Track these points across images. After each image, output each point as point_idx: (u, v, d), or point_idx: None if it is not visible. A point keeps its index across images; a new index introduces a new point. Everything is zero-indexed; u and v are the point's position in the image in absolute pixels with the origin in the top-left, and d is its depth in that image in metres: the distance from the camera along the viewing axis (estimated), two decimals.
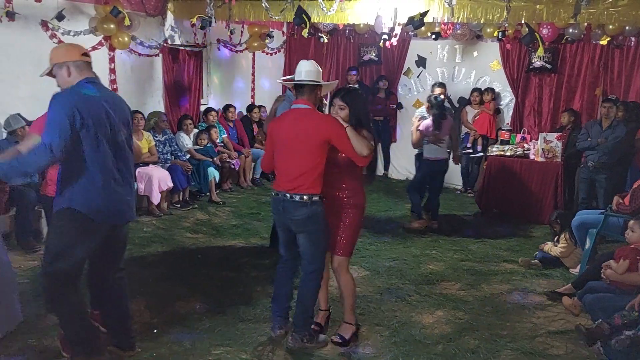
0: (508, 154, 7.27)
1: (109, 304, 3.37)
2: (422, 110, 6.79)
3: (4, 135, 5.36)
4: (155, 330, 3.76)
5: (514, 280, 4.98)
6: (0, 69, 5.47)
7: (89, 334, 3.22)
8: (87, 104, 2.94)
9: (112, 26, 6.46)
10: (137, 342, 3.52)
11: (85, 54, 3.12)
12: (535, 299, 4.59)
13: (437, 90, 7.13)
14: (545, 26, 7.50)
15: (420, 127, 6.31)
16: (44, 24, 5.91)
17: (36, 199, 5.21)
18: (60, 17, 5.83)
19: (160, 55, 7.63)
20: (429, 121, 6.27)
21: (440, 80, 9.22)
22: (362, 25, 8.65)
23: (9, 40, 5.56)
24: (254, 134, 8.98)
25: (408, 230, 6.40)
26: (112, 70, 6.89)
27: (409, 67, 9.52)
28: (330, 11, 6.25)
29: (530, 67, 8.55)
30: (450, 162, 6.75)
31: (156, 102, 7.72)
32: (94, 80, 3.09)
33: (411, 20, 5.98)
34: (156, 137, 7.04)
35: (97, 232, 3.07)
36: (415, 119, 6.68)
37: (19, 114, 5.29)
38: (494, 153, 7.35)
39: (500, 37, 7.68)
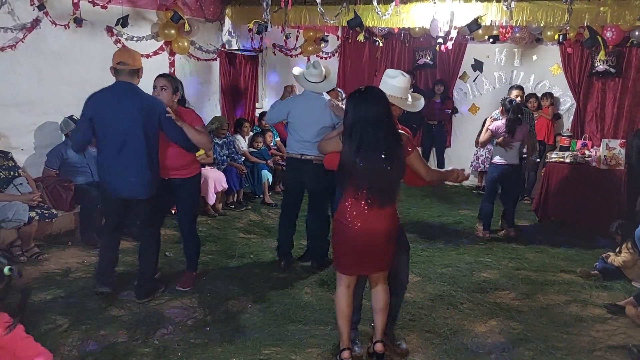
0: (568, 160, 7.03)
1: (139, 255, 4.29)
2: (497, 112, 6.48)
3: (63, 138, 5.65)
4: (207, 328, 3.85)
5: (572, 291, 4.81)
6: (68, 73, 5.75)
7: (102, 268, 4.23)
8: (98, 101, 3.82)
9: (172, 32, 6.67)
10: (191, 339, 3.65)
11: (120, 62, 3.82)
12: (594, 311, 4.42)
13: (514, 93, 6.53)
14: (609, 29, 7.23)
15: (490, 127, 6.13)
16: (109, 30, 6.16)
17: (99, 197, 5.42)
18: (124, 23, 6.07)
19: (218, 59, 7.81)
20: (500, 122, 6.07)
21: (498, 85, 9.07)
22: (417, 29, 8.58)
23: (77, 45, 5.83)
24: None
25: (476, 236, 6.34)
26: (172, 75, 7.10)
27: (464, 71, 9.38)
28: (385, 15, 6.24)
29: (593, 71, 8.26)
30: None
31: (213, 106, 7.91)
32: (115, 84, 3.86)
33: (474, 22, 5.87)
34: (214, 140, 7.19)
35: (110, 200, 4.04)
36: (489, 119, 6.46)
37: (70, 117, 5.54)
38: (553, 159, 7.12)
39: (561, 41, 7.45)
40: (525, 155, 6.49)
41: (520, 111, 6.08)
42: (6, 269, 1.99)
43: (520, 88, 6.90)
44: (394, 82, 3.41)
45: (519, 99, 6.32)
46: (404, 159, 3.24)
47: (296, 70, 5.08)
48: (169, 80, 4.13)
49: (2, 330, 1.98)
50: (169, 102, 4.05)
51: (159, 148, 4.02)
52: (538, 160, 8.07)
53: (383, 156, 3.09)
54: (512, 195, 6.49)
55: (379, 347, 3.43)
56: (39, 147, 5.63)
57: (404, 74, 3.47)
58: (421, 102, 3.61)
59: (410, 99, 3.52)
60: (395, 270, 3.47)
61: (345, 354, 3.37)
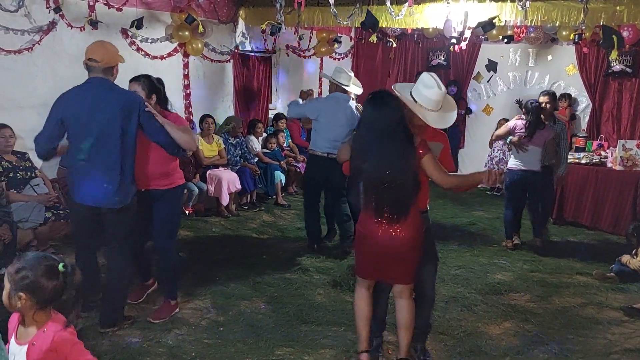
0: (583, 161, 6.96)
1: (107, 277, 3.80)
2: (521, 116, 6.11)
3: None
4: (221, 328, 3.86)
5: (588, 294, 4.76)
6: (83, 75, 5.73)
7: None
8: (70, 101, 3.47)
9: (186, 33, 6.71)
10: (205, 339, 3.66)
11: (90, 59, 3.49)
12: (610, 314, 4.37)
13: (542, 99, 5.95)
14: (625, 28, 7.15)
15: (510, 123, 5.88)
16: (124, 32, 6.22)
17: None
18: (139, 25, 6.11)
19: (231, 61, 7.84)
20: (521, 122, 5.73)
21: (512, 85, 9.01)
22: (431, 30, 8.56)
23: None
24: None
25: (490, 238, 6.25)
26: (186, 76, 7.15)
27: (478, 72, 9.33)
28: (398, 16, 6.22)
29: (609, 71, 8.17)
30: None
31: (227, 107, 7.95)
32: (88, 81, 3.52)
33: (488, 22, 5.82)
34: (229, 140, 7.23)
35: (75, 207, 3.61)
36: (515, 118, 6.20)
37: None
38: (569, 161, 7.03)
39: (576, 40, 7.38)
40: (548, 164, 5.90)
41: (540, 113, 5.67)
42: (60, 266, 2.03)
43: (548, 94, 6.45)
44: (426, 93, 3.06)
45: (548, 105, 5.79)
46: (418, 167, 3.00)
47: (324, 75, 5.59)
48: (141, 84, 3.73)
49: (60, 327, 2.01)
50: None
51: (136, 153, 3.57)
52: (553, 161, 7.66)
53: (388, 172, 2.90)
54: (535, 203, 6.03)
55: None
56: None
57: (441, 85, 3.08)
58: (451, 118, 3.19)
59: (436, 115, 3.09)
60: (420, 283, 3.32)
61: (364, 356, 3.28)
